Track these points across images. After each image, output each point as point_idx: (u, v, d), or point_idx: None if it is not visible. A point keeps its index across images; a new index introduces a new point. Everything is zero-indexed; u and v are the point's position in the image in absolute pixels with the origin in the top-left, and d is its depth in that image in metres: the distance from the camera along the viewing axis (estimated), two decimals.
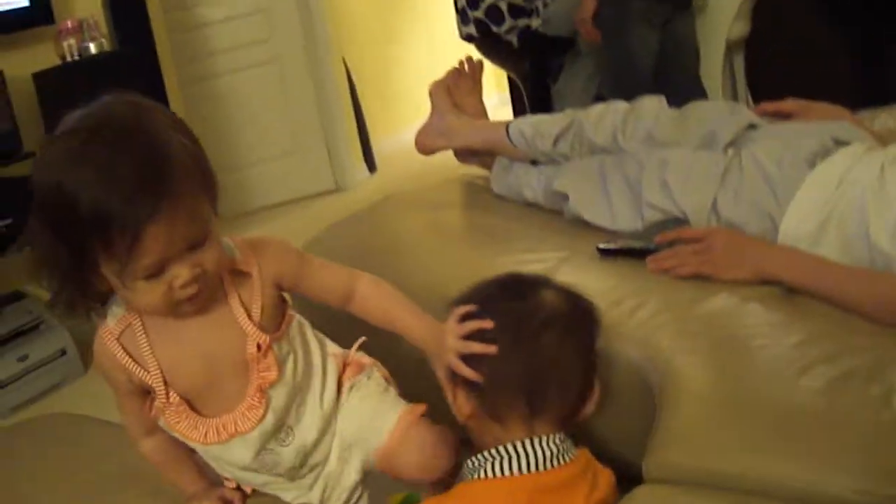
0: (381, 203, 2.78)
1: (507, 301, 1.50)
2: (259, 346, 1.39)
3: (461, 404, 1.48)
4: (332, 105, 5.52)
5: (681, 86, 3.73)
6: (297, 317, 1.53)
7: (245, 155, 5.28)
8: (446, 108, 2.71)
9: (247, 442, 1.43)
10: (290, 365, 1.46)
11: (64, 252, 1.21)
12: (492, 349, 1.42)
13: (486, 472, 1.40)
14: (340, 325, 1.64)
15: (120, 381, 1.40)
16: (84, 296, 1.30)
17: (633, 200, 2.10)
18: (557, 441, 1.41)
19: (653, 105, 2.29)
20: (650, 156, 2.13)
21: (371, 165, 5.85)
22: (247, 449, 1.44)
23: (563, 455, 1.40)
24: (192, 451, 1.51)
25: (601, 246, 2.02)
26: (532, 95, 4.53)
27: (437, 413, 1.57)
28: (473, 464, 1.43)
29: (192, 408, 1.41)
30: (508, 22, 4.30)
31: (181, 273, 1.23)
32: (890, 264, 1.65)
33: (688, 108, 2.27)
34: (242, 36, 5.28)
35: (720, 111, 2.23)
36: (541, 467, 1.38)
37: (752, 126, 2.14)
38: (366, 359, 1.63)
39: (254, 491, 1.57)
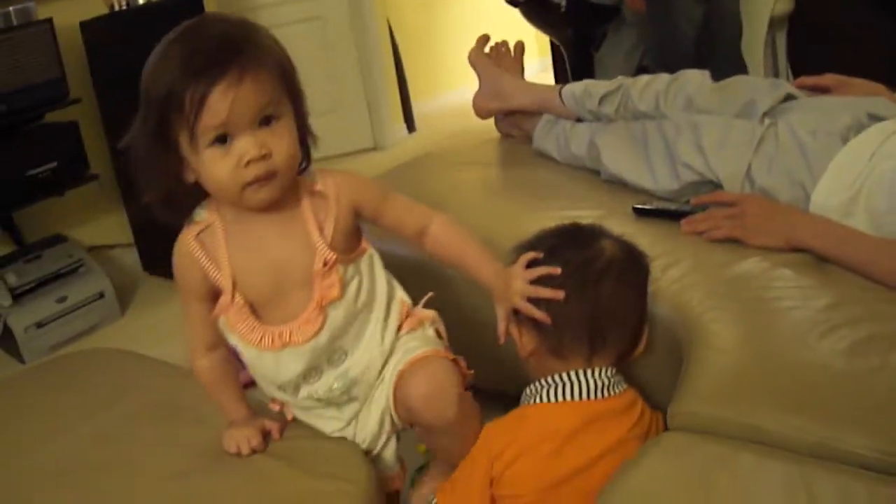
0: (421, 159, 2.83)
1: (570, 249, 1.60)
2: (325, 262, 1.45)
3: (525, 342, 1.62)
4: (373, 64, 5.54)
5: (722, 59, 3.73)
6: (373, 252, 1.58)
7: None
8: (498, 73, 2.77)
9: (298, 354, 1.49)
10: (352, 288, 1.51)
11: (151, 140, 1.34)
12: (560, 294, 1.52)
13: (543, 397, 1.56)
14: (406, 282, 1.68)
15: (193, 281, 1.48)
16: (174, 192, 1.40)
17: (670, 161, 2.14)
18: (610, 374, 1.56)
19: (695, 76, 2.33)
20: (687, 119, 2.16)
21: (410, 125, 5.87)
22: (297, 362, 1.50)
23: (613, 387, 1.55)
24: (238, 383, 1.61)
25: (637, 206, 2.06)
26: (574, 62, 4.53)
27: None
28: (532, 390, 1.59)
29: (255, 313, 1.48)
30: None
31: (248, 148, 1.32)
32: None
33: (729, 80, 2.31)
34: None
35: (760, 83, 2.26)
36: (593, 396, 1.53)
37: (790, 97, 2.17)
38: (429, 312, 1.67)
39: (294, 420, 1.62)
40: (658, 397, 1.59)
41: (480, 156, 2.74)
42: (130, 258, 4.12)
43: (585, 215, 2.06)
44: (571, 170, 2.45)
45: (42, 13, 3.50)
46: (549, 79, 5.02)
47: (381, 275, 1.59)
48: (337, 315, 1.49)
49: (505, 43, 2.87)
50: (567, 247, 1.60)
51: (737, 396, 1.38)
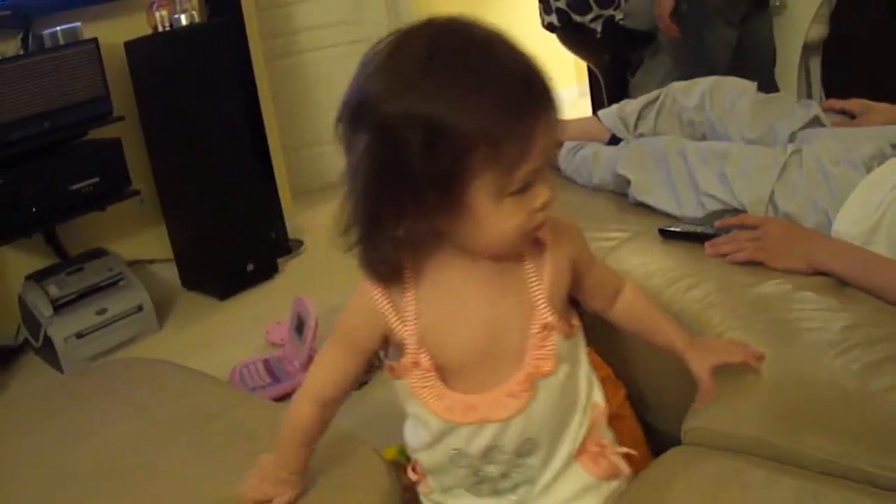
0: None
1: None
2: (544, 326, 1.26)
3: None
4: None
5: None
6: (582, 334, 1.39)
7: (324, 132, 5.34)
8: None
9: (484, 431, 1.28)
10: (563, 371, 1.30)
11: (418, 181, 1.07)
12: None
13: None
14: None
15: (361, 334, 1.29)
16: (405, 244, 1.17)
17: (694, 191, 2.18)
18: None
19: (741, 82, 2.42)
20: (711, 148, 2.21)
21: None
22: (479, 438, 1.28)
23: None
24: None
25: (662, 228, 2.10)
26: (611, 87, 4.58)
27: None
28: None
29: (441, 378, 1.26)
30: (595, 10, 4.34)
31: (543, 192, 1.13)
32: None
33: (771, 95, 2.42)
34: (329, 15, 5.37)
35: (794, 103, 2.34)
36: None
37: (816, 121, 2.21)
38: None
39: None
40: (673, 414, 1.61)
41: None
42: (169, 273, 4.19)
43: (614, 237, 2.12)
44: (600, 192, 2.49)
45: (87, 33, 3.60)
46: (586, 104, 5.07)
47: (585, 370, 1.39)
48: (544, 396, 1.27)
49: None
50: None
51: (750, 413, 1.42)
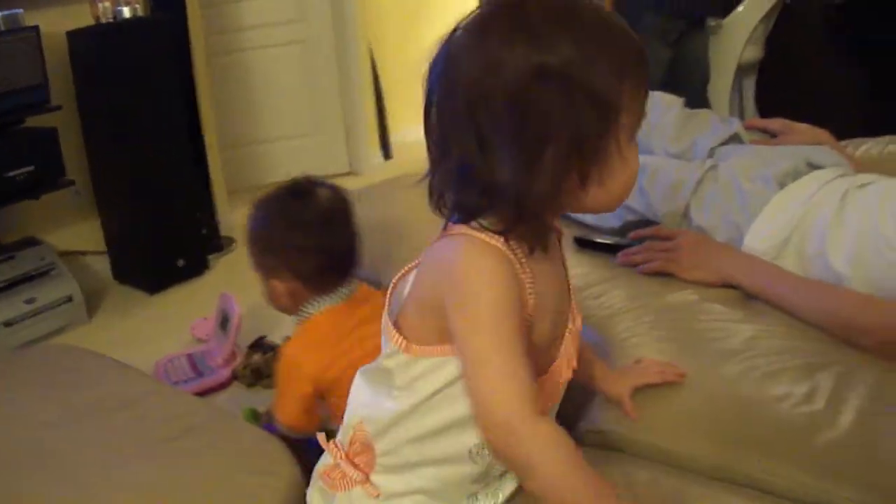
0: (390, 182, 2.90)
1: None
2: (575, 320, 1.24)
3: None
4: (354, 90, 5.62)
5: (688, 104, 3.85)
6: None
7: (265, 130, 5.37)
8: None
9: None
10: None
11: (585, 140, 1.02)
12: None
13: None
14: None
15: (515, 300, 1.08)
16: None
17: None
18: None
19: (667, 97, 2.48)
20: None
21: (387, 153, 5.95)
22: None
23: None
24: None
25: (578, 237, 2.15)
26: None
27: None
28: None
29: None
30: None
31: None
32: (842, 284, 1.77)
33: (697, 111, 2.48)
34: (273, 14, 5.36)
35: (716, 119, 2.42)
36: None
37: (737, 138, 2.27)
38: None
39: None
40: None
41: None
42: (101, 265, 4.17)
43: None
44: None
45: (30, 20, 3.58)
46: None
47: None
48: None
49: None
50: None
51: (645, 418, 1.46)
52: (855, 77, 4.38)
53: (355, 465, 1.27)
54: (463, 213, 1.10)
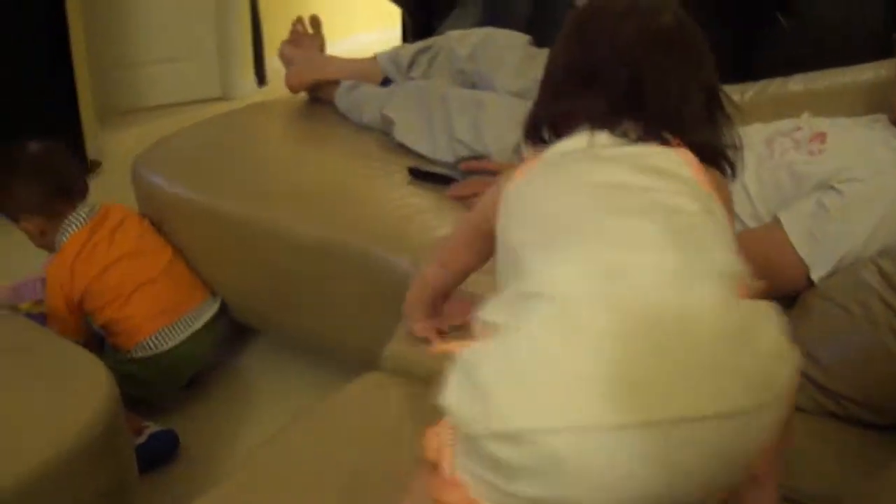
0: (239, 111, 2.90)
1: None
2: None
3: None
4: (229, 13, 5.52)
5: (552, 39, 3.88)
6: None
7: (138, 53, 5.26)
8: (302, 51, 2.83)
9: None
10: None
11: None
12: None
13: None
14: None
15: None
16: None
17: (448, 136, 2.27)
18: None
19: (511, 36, 2.51)
20: (473, 97, 2.29)
21: (262, 78, 5.88)
22: None
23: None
24: None
25: (412, 167, 2.19)
26: (417, 34, 4.61)
27: None
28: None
29: None
30: None
31: None
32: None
33: (538, 50, 2.50)
34: None
35: None
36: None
37: None
38: None
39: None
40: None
41: (297, 111, 2.83)
42: None
43: (371, 173, 2.20)
44: (368, 130, 2.54)
45: None
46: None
47: None
48: None
49: (300, 20, 2.94)
50: None
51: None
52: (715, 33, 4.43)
53: None
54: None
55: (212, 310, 2.29)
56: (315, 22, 2.92)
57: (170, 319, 2.18)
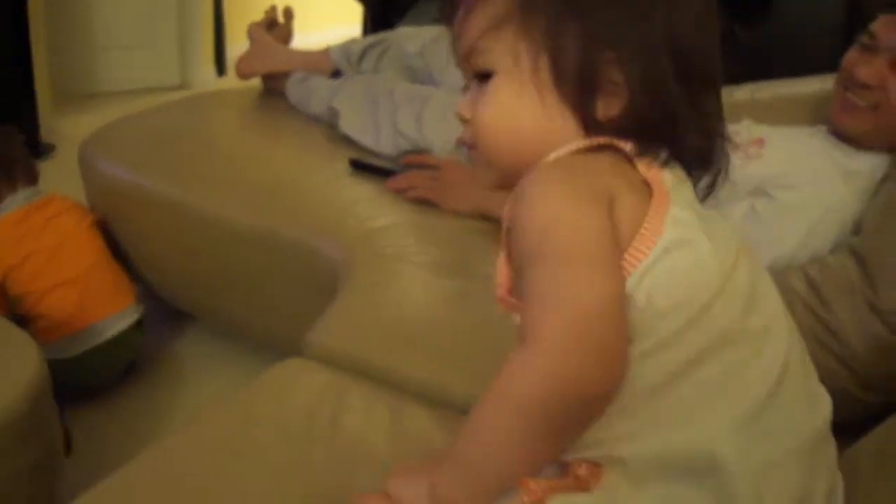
0: (190, 99, 2.90)
1: None
2: None
3: None
4: (192, 1, 5.52)
5: None
6: None
7: (98, 38, 5.21)
8: (269, 40, 2.82)
9: None
10: None
11: None
12: None
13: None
14: None
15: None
16: None
17: (392, 129, 2.27)
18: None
19: None
20: (420, 92, 2.30)
21: (221, 68, 5.86)
22: None
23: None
24: None
25: (353, 159, 2.20)
26: (375, 30, 4.62)
27: None
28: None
29: None
30: None
31: None
32: None
33: None
34: None
35: None
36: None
37: None
38: None
39: None
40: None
41: (249, 101, 2.83)
42: None
43: (313, 165, 2.21)
44: (317, 122, 2.53)
45: None
46: None
47: None
48: None
49: (274, 8, 2.93)
50: None
51: (364, 334, 1.53)
52: None
53: None
54: None
55: (128, 320, 2.20)
56: (288, 13, 2.91)
57: (72, 329, 2.11)
